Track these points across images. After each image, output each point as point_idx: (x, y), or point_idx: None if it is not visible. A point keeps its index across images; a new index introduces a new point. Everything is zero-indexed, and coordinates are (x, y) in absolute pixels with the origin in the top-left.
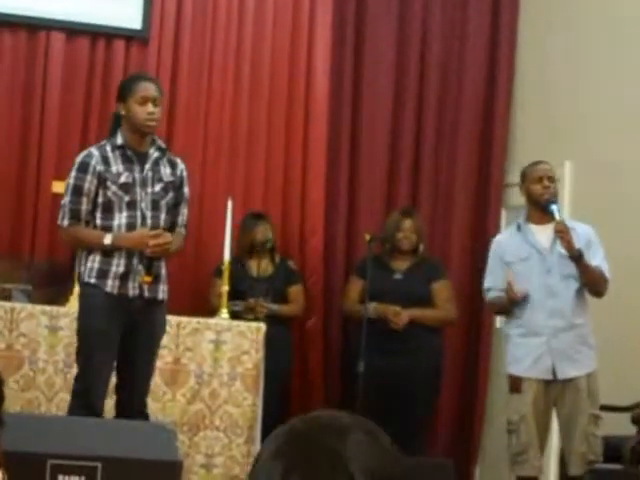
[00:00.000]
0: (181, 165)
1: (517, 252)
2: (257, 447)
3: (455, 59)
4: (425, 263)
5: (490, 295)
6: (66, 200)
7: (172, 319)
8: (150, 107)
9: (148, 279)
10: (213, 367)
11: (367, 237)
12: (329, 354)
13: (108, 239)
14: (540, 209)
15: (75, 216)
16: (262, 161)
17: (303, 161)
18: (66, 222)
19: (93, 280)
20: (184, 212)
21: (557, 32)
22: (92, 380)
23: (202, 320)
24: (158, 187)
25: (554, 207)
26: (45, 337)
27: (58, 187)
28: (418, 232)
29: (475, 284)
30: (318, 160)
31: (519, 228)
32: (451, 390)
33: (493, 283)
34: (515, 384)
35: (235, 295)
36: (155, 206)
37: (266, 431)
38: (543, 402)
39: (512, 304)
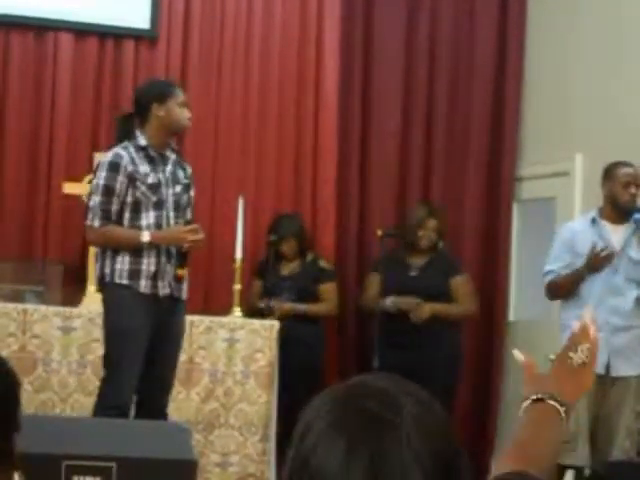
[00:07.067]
0: (189, 169)
1: (590, 246)
2: (272, 445)
3: (464, 52)
4: (441, 259)
5: (550, 277)
6: (96, 200)
7: (185, 318)
8: (187, 112)
9: (182, 272)
10: (227, 365)
11: (379, 233)
12: (344, 350)
13: (146, 237)
14: (620, 212)
15: (106, 216)
16: (273, 159)
17: (314, 158)
18: (97, 222)
19: (125, 281)
20: (190, 215)
21: (569, 20)
22: (124, 381)
23: (215, 319)
24: (178, 188)
25: (639, 216)
26: (58, 338)
27: (69, 188)
28: (440, 232)
29: (487, 278)
30: (329, 157)
31: (594, 222)
32: (466, 383)
33: (557, 267)
34: None
35: (266, 294)
36: (177, 206)
37: (287, 430)
38: (594, 395)
39: (592, 269)
